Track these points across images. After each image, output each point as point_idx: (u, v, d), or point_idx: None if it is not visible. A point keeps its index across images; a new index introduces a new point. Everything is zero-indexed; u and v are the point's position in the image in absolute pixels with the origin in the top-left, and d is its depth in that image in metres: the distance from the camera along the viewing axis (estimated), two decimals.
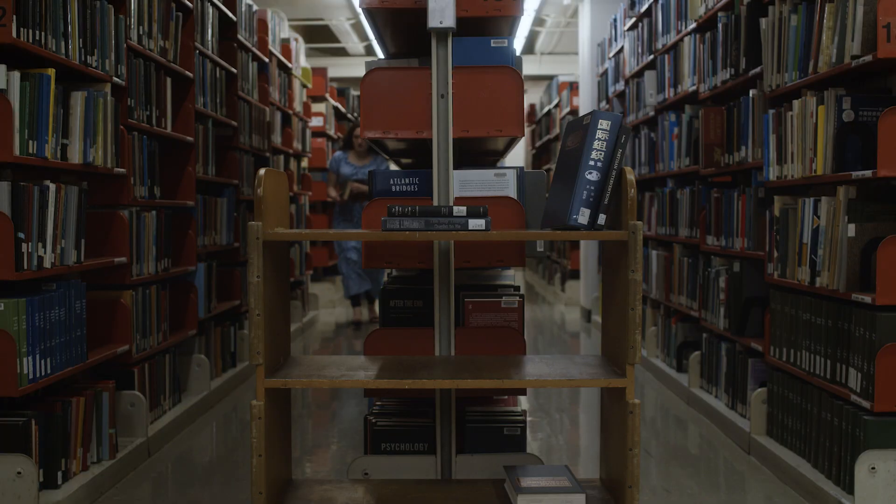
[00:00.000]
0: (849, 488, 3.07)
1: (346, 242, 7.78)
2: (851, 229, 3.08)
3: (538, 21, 11.93)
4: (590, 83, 8.55)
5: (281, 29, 7.80)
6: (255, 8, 6.34)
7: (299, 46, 8.77)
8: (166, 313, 4.24)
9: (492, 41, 2.81)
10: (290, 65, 7.85)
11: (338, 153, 7.95)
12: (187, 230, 4.58)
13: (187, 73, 4.58)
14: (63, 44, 3.23)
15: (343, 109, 11.30)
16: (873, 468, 2.96)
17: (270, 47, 6.93)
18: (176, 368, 4.42)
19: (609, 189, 2.41)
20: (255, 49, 6.24)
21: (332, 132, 10.20)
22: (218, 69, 5.25)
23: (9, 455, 2.95)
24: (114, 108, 3.59)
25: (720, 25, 4.44)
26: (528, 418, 4.43)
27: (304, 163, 9.04)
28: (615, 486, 2.53)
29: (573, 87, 9.62)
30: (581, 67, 8.81)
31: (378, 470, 2.89)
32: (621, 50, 7.07)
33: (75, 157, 3.28)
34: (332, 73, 11.84)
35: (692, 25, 5.00)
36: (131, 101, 3.87)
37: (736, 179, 4.61)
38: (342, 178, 7.78)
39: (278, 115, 7.39)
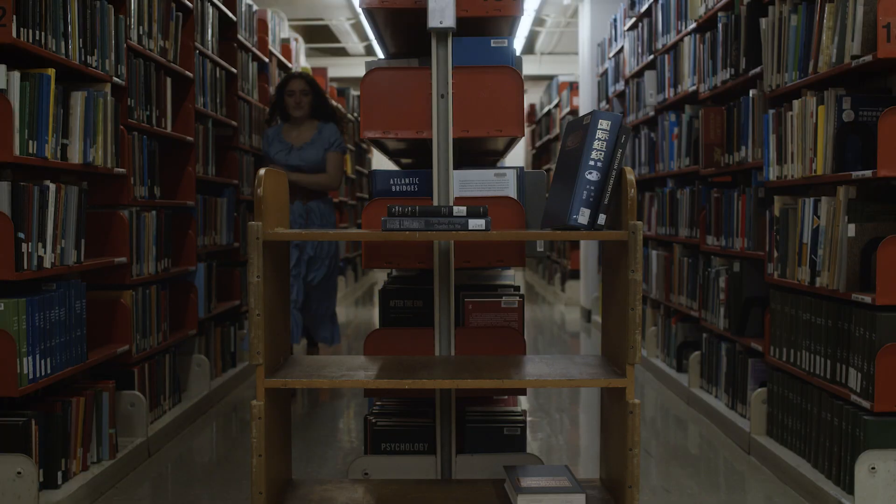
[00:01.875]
0: (849, 488, 3.07)
1: None
2: (851, 229, 3.08)
3: (538, 21, 11.93)
4: (590, 83, 8.55)
5: (281, 29, 7.79)
6: (255, 8, 6.34)
7: (299, 46, 8.77)
8: (166, 313, 4.24)
9: (492, 41, 2.81)
10: (290, 65, 7.85)
11: (268, 130, 5.29)
12: (187, 230, 4.58)
13: (187, 73, 4.58)
14: (63, 44, 3.23)
15: (343, 109, 11.30)
16: (873, 468, 2.96)
17: (270, 47, 6.93)
18: (176, 368, 4.42)
19: (609, 189, 2.41)
20: (255, 49, 6.24)
21: None
22: (218, 69, 5.25)
23: (9, 455, 2.94)
24: (114, 108, 3.59)
25: (720, 25, 4.44)
26: (528, 418, 4.43)
27: None
28: (615, 486, 2.53)
29: (573, 87, 9.62)
30: (581, 67, 8.81)
31: (378, 470, 2.89)
32: (621, 50, 7.07)
33: (75, 157, 3.28)
34: (332, 73, 11.84)
35: (692, 25, 5.00)
36: (131, 101, 3.87)
37: (736, 179, 4.61)
38: (275, 164, 5.13)
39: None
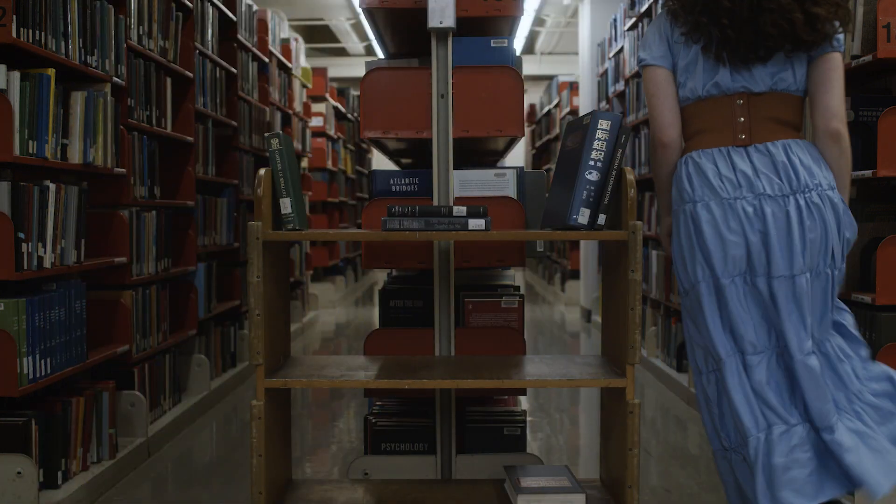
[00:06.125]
0: None
1: None
2: None
3: (538, 21, 11.93)
4: (590, 83, 8.55)
5: (281, 29, 7.80)
6: (255, 8, 6.34)
7: (299, 46, 8.77)
8: (166, 313, 4.24)
9: (492, 41, 2.80)
10: (290, 65, 7.85)
11: None
12: (187, 230, 4.58)
13: (187, 73, 4.58)
14: (63, 44, 3.23)
15: (343, 109, 11.30)
16: None
17: (270, 47, 6.93)
18: (176, 368, 4.42)
19: (609, 189, 2.41)
20: (255, 49, 6.24)
21: (332, 132, 10.21)
22: (218, 69, 5.25)
23: (9, 455, 2.94)
24: (114, 108, 3.59)
25: None
26: (528, 418, 4.43)
27: (304, 163, 9.04)
28: (615, 486, 2.53)
29: (573, 87, 9.62)
30: (581, 67, 8.81)
31: (378, 470, 2.89)
32: (621, 50, 7.07)
33: (75, 157, 3.28)
34: (332, 73, 11.85)
35: None
36: (131, 101, 3.87)
37: None
38: None
39: (278, 115, 7.39)
